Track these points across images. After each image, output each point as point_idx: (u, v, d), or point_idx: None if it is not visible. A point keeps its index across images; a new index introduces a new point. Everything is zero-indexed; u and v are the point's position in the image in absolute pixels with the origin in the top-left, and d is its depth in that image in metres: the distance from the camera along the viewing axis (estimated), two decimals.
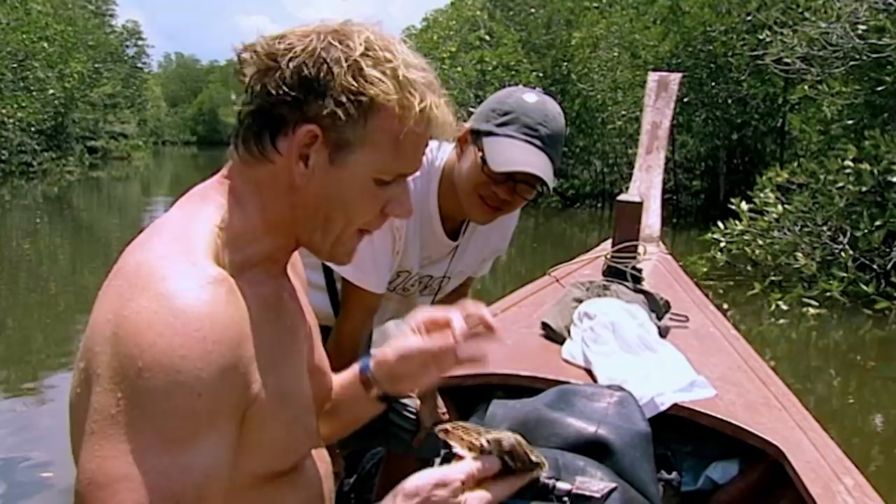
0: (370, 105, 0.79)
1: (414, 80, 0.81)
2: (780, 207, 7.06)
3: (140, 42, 41.56)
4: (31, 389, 4.65)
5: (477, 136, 1.48)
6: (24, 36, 21.76)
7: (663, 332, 2.47)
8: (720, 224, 7.49)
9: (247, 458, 0.79)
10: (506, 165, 1.43)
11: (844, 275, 6.56)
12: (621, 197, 3.36)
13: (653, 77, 4.63)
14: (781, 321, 6.54)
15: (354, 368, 1.09)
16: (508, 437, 0.89)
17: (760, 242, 7.26)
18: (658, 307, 2.65)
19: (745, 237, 7.26)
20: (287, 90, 0.79)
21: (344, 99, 0.78)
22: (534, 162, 1.44)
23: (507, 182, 1.46)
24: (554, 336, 2.38)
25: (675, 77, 4.61)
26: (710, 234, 7.62)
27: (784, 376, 5.38)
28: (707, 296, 3.27)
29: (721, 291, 7.75)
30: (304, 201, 0.84)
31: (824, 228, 7.13)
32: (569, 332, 2.35)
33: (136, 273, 0.75)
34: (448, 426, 0.90)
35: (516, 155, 1.44)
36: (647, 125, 4.44)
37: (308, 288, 1.09)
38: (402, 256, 1.59)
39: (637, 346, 2.19)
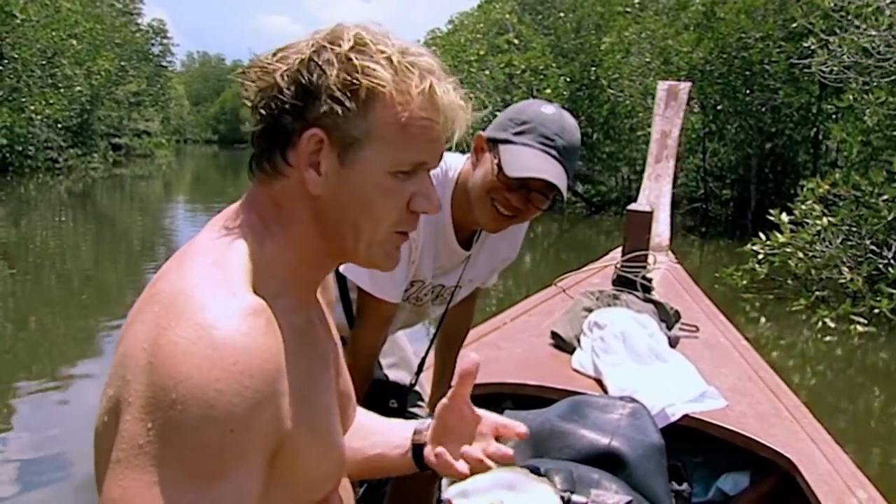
0: (367, 95, 0.78)
1: (411, 63, 0.79)
2: (825, 220, 6.83)
3: (165, 41, 41.70)
4: (52, 385, 4.65)
5: (493, 144, 1.50)
6: (54, 33, 21.95)
7: (673, 342, 2.50)
8: (761, 235, 7.28)
9: (276, 493, 0.77)
10: (522, 171, 1.44)
11: (894, 291, 6.32)
12: (631, 206, 3.41)
13: (662, 86, 4.68)
14: (828, 338, 6.34)
15: (401, 444, 1.05)
16: None
17: (801, 255, 7.05)
18: (668, 317, 2.68)
19: (787, 249, 7.04)
20: (285, 100, 0.78)
21: (339, 94, 0.77)
22: (550, 170, 1.45)
23: (521, 190, 1.47)
24: (564, 346, 2.41)
25: (685, 86, 4.66)
26: (749, 246, 7.41)
27: (825, 393, 5.20)
28: (716, 305, 3.26)
29: (758, 305, 7.56)
30: (325, 210, 0.82)
31: (868, 242, 6.92)
32: (579, 341, 2.38)
33: (174, 300, 0.73)
34: None
35: (533, 162, 1.45)
36: (657, 134, 4.48)
37: None
38: (417, 266, 1.60)
39: (647, 357, 2.22)
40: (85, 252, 10.29)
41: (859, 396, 5.45)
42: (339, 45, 0.78)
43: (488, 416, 1.01)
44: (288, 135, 0.79)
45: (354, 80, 0.77)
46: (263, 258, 0.80)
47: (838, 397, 5.39)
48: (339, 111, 0.77)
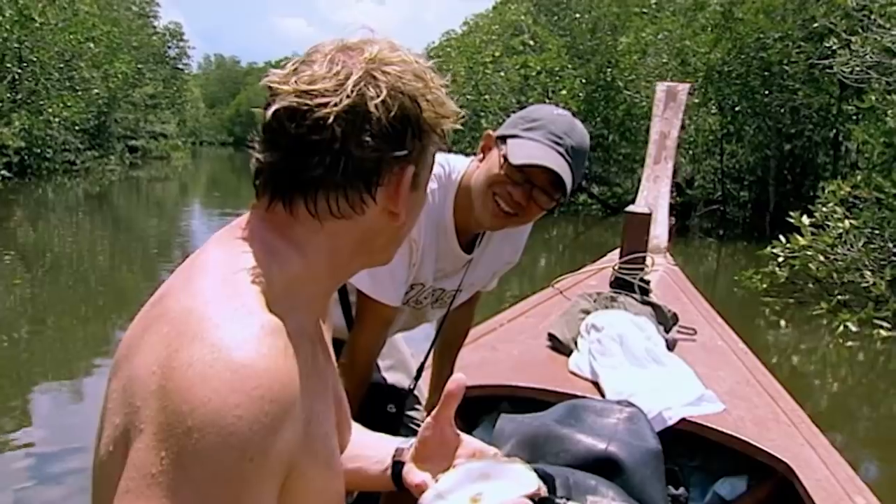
0: (444, 128, 0.81)
1: (445, 88, 0.81)
2: (846, 222, 6.72)
3: (181, 43, 41.95)
4: (68, 385, 4.68)
5: (502, 140, 1.48)
6: (72, 36, 22.14)
7: (671, 345, 2.47)
8: (780, 238, 7.17)
9: None
10: (526, 159, 1.42)
11: None
12: (630, 208, 3.38)
13: (661, 87, 4.67)
14: (850, 343, 6.23)
15: (381, 460, 1.01)
16: None
17: (822, 259, 6.94)
18: (666, 319, 2.66)
19: (808, 252, 6.93)
20: (387, 136, 0.75)
21: (439, 131, 0.80)
22: (555, 161, 1.43)
23: (524, 185, 1.45)
24: (561, 348, 2.39)
25: (684, 87, 4.66)
26: (768, 249, 7.31)
27: (846, 399, 5.11)
28: (714, 308, 3.23)
29: (778, 309, 7.45)
30: (385, 233, 0.82)
31: (891, 245, 6.80)
32: (576, 343, 2.35)
33: (185, 320, 0.68)
34: None
35: (539, 153, 1.43)
36: (655, 135, 4.46)
37: None
38: (417, 269, 1.58)
39: (645, 359, 2.20)
40: (101, 254, 10.36)
41: (882, 402, 5.39)
42: (420, 78, 0.78)
43: (469, 442, 0.98)
44: (378, 172, 0.76)
45: (445, 115, 0.80)
46: (280, 279, 0.75)
47: (860, 403, 5.31)
48: (432, 147, 0.80)
